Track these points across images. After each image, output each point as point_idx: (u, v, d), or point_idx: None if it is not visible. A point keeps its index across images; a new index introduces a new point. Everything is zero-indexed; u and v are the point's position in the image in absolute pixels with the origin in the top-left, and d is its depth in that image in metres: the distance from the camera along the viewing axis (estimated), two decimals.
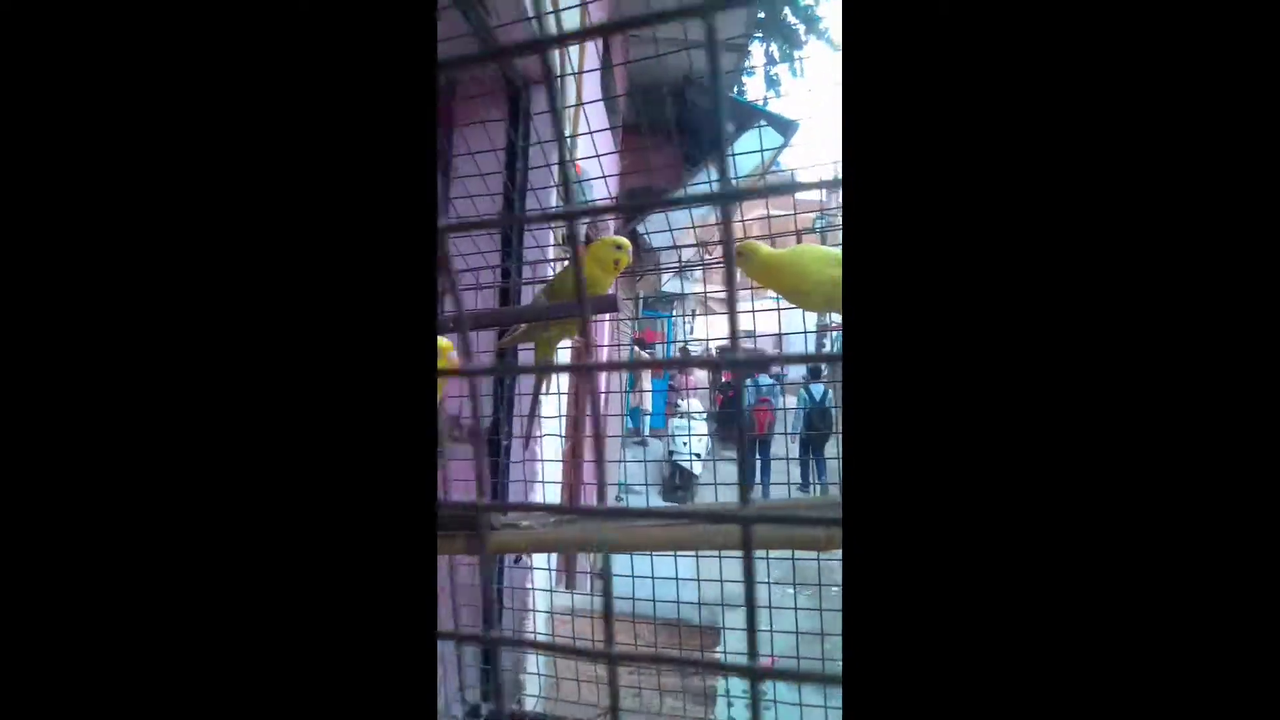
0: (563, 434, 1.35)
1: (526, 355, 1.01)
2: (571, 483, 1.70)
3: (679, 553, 0.86)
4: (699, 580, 0.94)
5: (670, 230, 1.16)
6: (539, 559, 1.25)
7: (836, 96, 0.22)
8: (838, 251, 0.71)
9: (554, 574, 1.56)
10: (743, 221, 0.94)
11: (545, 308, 0.62)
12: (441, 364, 0.54)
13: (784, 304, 0.81)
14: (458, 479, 1.04)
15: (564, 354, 1.02)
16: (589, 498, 1.77)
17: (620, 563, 0.96)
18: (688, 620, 1.19)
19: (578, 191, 1.29)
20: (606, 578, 0.14)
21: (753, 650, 0.15)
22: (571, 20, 1.19)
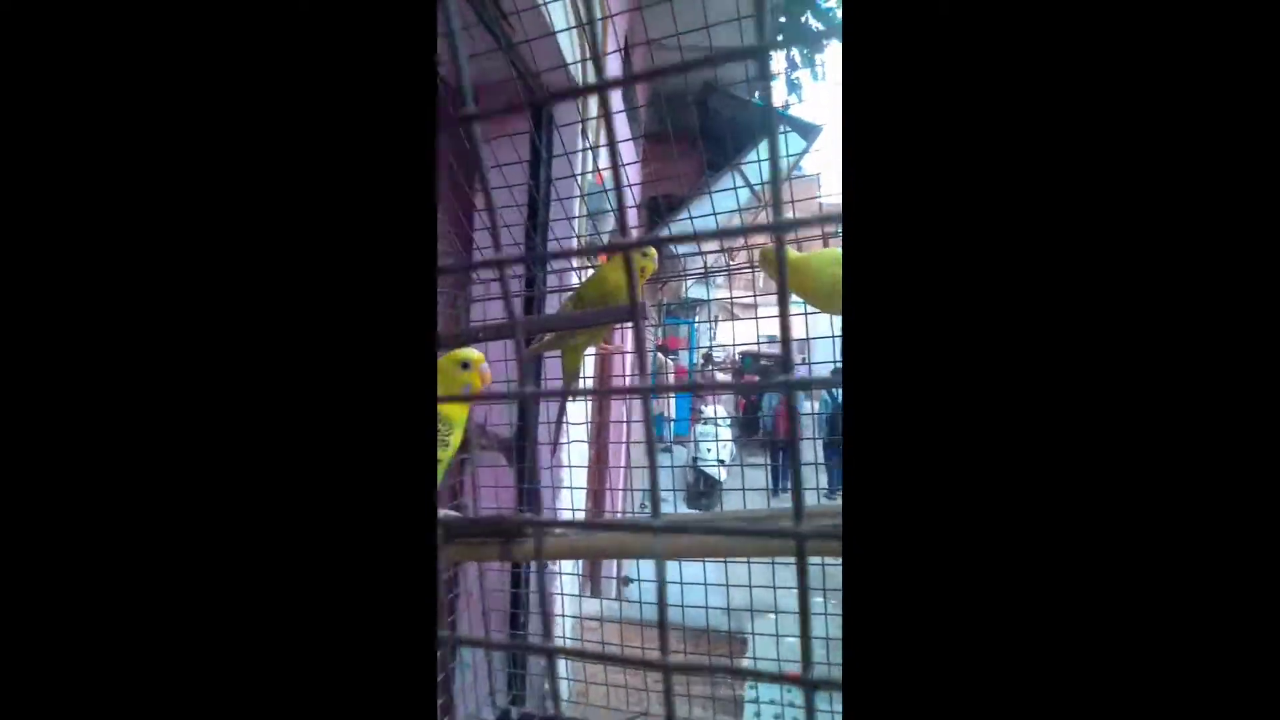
0: (587, 440, 1.36)
1: (552, 363, 1.02)
2: (596, 489, 1.70)
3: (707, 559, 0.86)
4: (727, 586, 0.93)
5: (696, 236, 1.16)
6: (565, 565, 1.26)
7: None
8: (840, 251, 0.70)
9: (580, 580, 1.56)
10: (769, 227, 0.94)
11: (592, 314, 0.63)
12: (473, 377, 0.55)
13: (809, 308, 0.80)
14: (485, 485, 1.05)
15: (587, 359, 1.03)
16: (614, 503, 1.77)
17: (645, 569, 0.97)
18: (715, 628, 1.18)
19: (600, 201, 1.30)
20: (660, 580, 0.15)
21: (806, 659, 0.15)
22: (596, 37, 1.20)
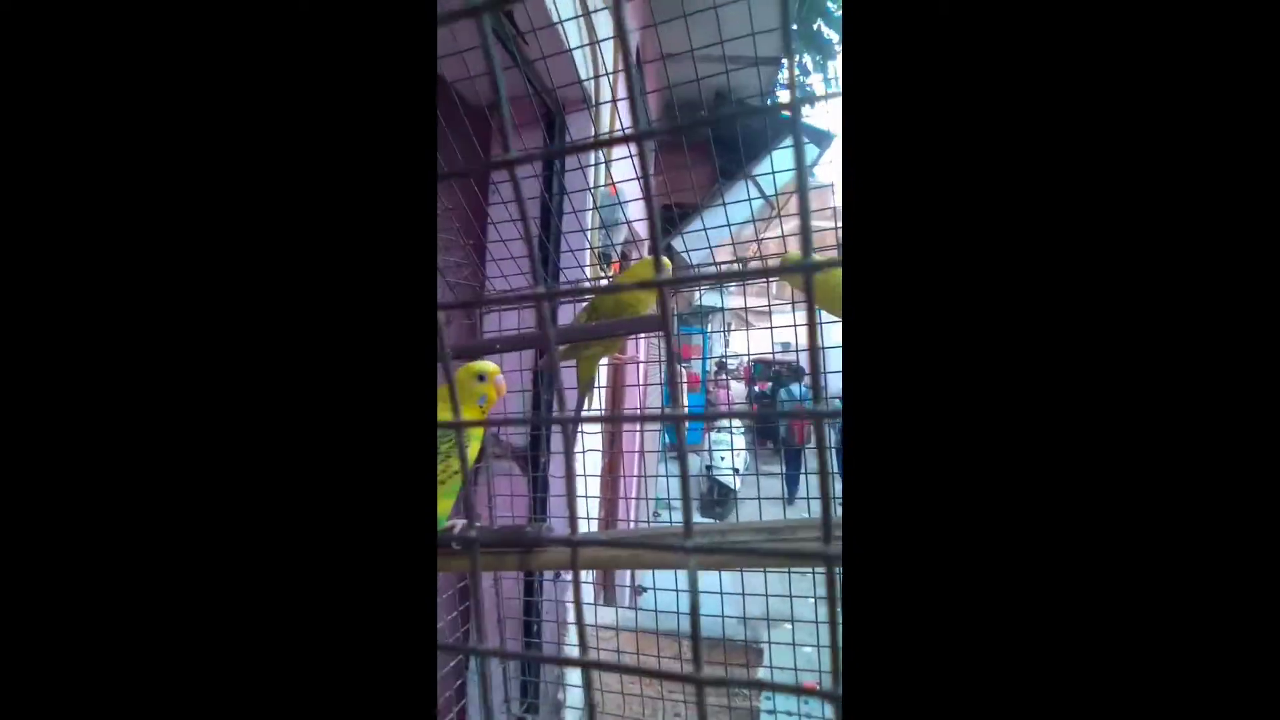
0: (600, 449, 1.36)
1: (566, 373, 1.02)
2: (610, 498, 1.70)
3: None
4: (742, 595, 0.93)
5: (710, 247, 1.17)
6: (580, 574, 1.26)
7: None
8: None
9: (593, 589, 1.56)
10: (783, 237, 0.94)
11: (619, 324, 0.63)
12: (489, 389, 0.55)
13: (825, 317, 0.80)
14: (500, 494, 1.06)
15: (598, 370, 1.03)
16: (628, 512, 1.77)
17: (661, 578, 0.96)
18: (730, 638, 1.17)
19: (613, 213, 1.32)
20: (693, 596, 0.15)
21: (837, 673, 0.15)
22: (608, 49, 1.22)
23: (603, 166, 1.23)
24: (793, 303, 0.95)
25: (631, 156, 0.93)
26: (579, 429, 0.90)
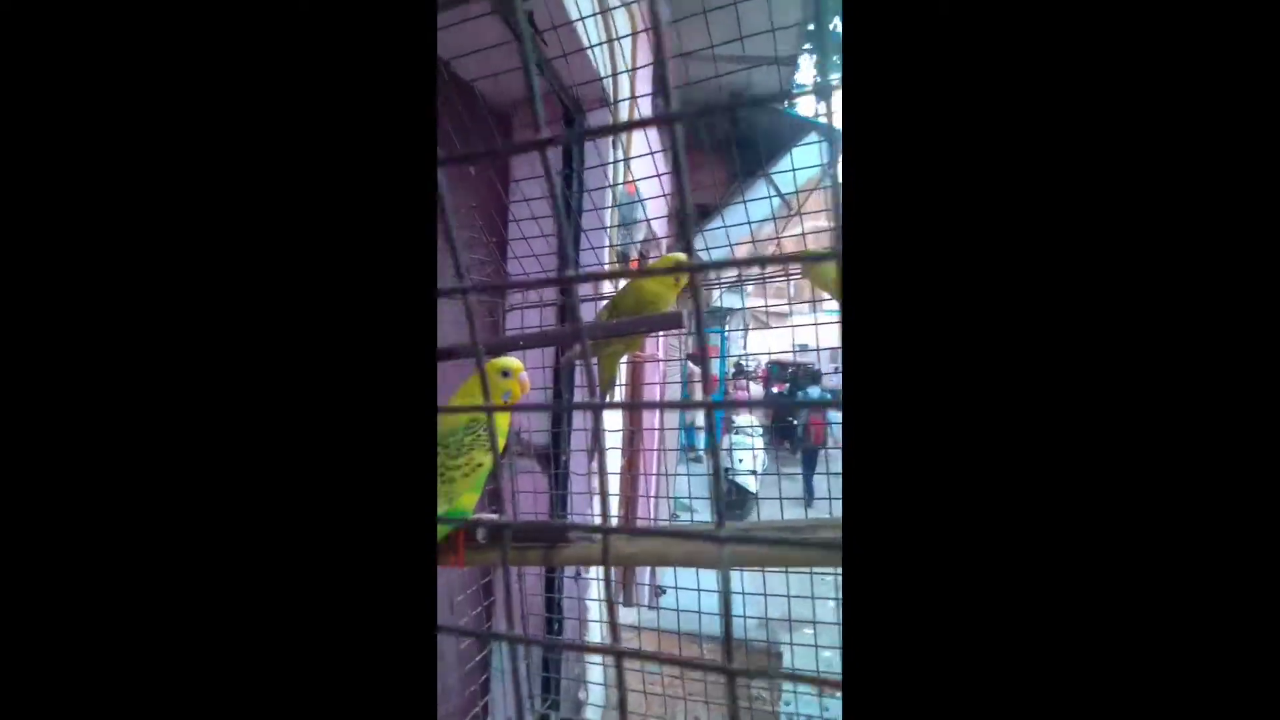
0: (620, 447, 1.36)
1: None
2: (629, 496, 1.71)
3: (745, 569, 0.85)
4: (765, 596, 0.92)
5: (730, 245, 1.17)
6: (597, 572, 1.26)
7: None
8: None
9: (614, 588, 1.56)
10: (803, 234, 0.94)
11: (642, 320, 0.63)
12: (513, 385, 0.56)
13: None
14: (523, 491, 1.07)
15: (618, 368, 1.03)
16: (648, 511, 1.77)
17: (685, 577, 0.96)
18: (750, 639, 1.17)
19: (632, 212, 1.32)
20: (725, 585, 0.15)
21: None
22: (625, 47, 1.22)
23: (621, 165, 1.24)
24: (812, 301, 0.94)
25: (653, 154, 0.93)
26: (601, 429, 0.90)
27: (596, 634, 1.25)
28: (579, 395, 1.06)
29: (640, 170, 1.27)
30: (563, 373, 0.98)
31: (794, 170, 1.04)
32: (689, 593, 0.96)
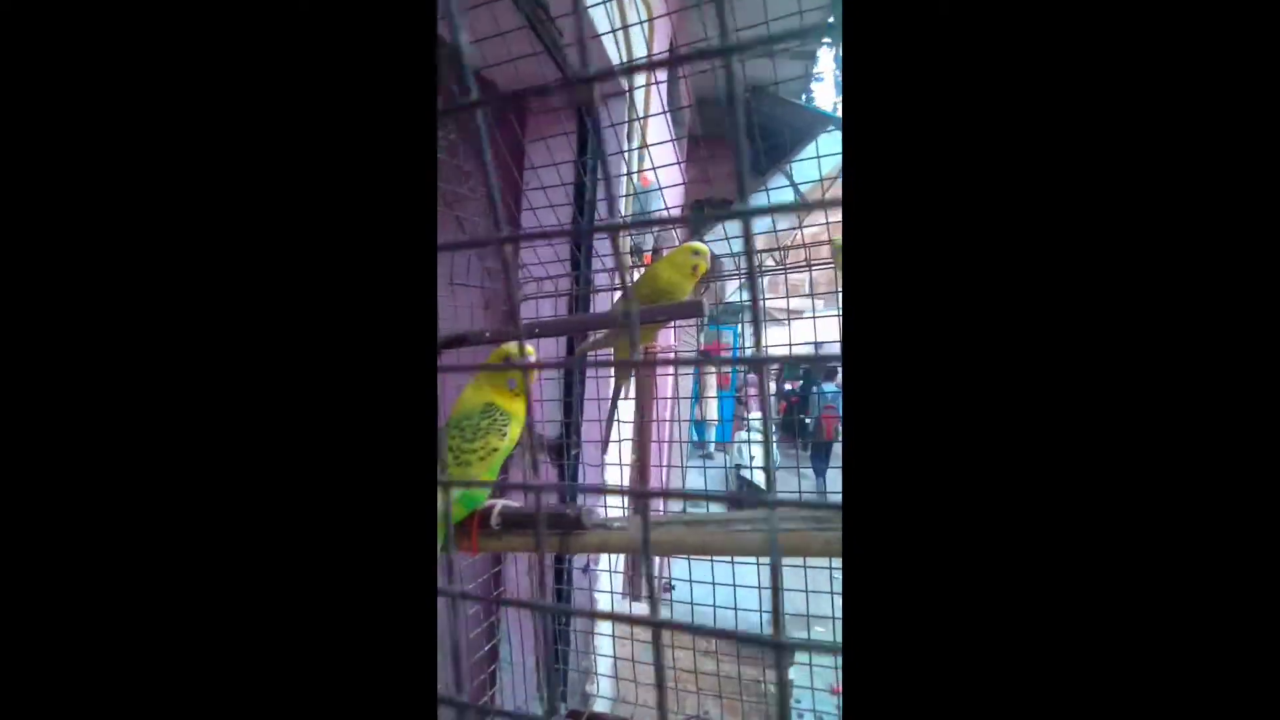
0: (631, 438, 1.36)
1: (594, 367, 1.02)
2: (639, 489, 1.70)
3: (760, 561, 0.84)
4: (778, 589, 0.91)
5: (742, 237, 1.16)
6: (605, 566, 1.26)
7: None
8: None
9: (622, 580, 1.56)
10: (827, 224, 0.92)
11: (662, 308, 0.62)
12: (517, 374, 0.55)
13: None
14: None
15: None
16: (659, 507, 1.76)
17: (699, 570, 0.96)
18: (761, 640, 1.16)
19: (644, 202, 1.31)
20: (775, 558, 0.14)
21: None
22: (638, 35, 1.21)
23: (635, 157, 1.23)
24: (835, 291, 0.93)
25: (673, 140, 0.91)
26: (615, 419, 0.89)
27: (605, 626, 1.25)
28: (590, 389, 1.06)
29: (652, 160, 1.25)
30: (574, 366, 0.97)
31: (819, 157, 1.02)
32: (697, 588, 0.96)
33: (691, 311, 0.59)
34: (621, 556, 1.59)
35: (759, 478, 3.31)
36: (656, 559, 1.80)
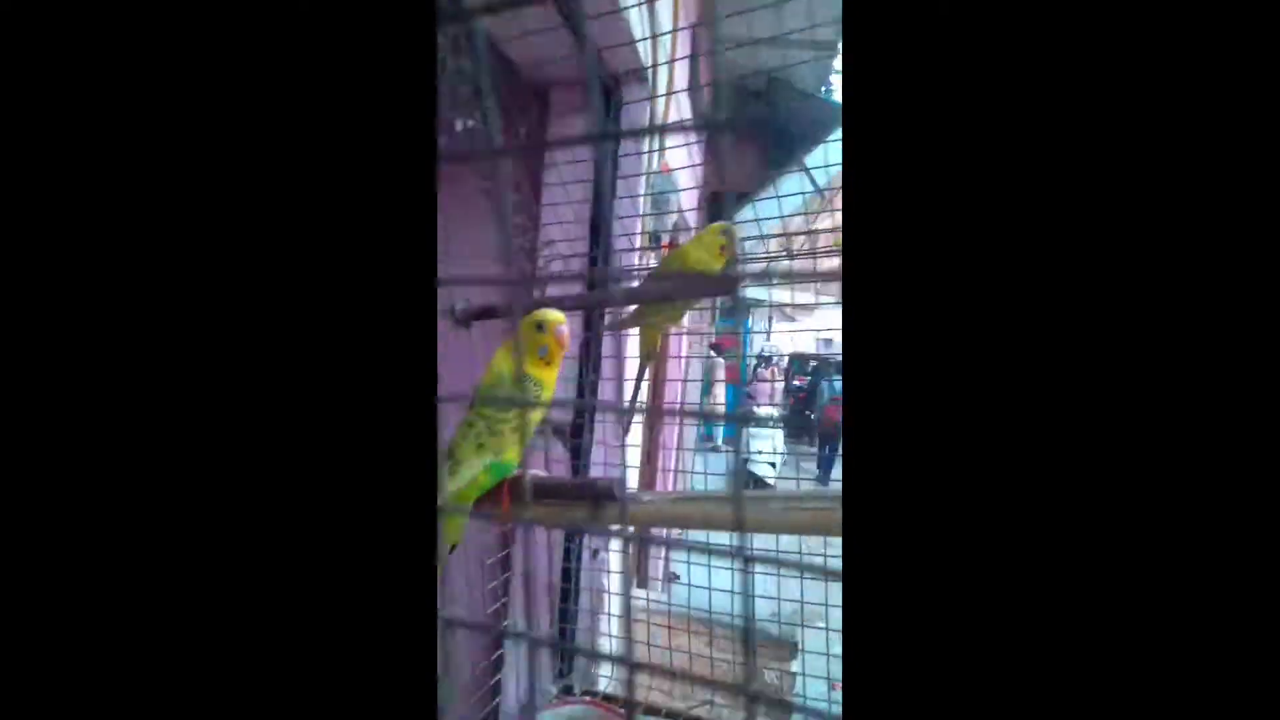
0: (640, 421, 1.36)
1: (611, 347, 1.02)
2: (649, 485, 1.70)
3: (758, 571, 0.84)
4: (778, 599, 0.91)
5: (761, 236, 1.15)
6: (615, 560, 1.26)
7: None
8: None
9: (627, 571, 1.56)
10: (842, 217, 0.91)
11: (687, 283, 0.62)
12: (548, 339, 0.55)
13: None
14: (555, 460, 1.06)
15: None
16: (666, 485, 1.77)
17: (698, 574, 0.96)
18: (765, 633, 1.16)
19: (666, 193, 1.30)
20: (750, 636, 0.14)
21: None
22: (665, 10, 1.20)
23: (656, 148, 1.22)
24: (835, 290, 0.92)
25: (693, 138, 0.91)
26: (637, 401, 0.89)
27: (614, 625, 1.25)
28: (606, 368, 1.06)
29: (673, 157, 1.25)
30: (591, 345, 0.97)
31: (826, 146, 1.01)
32: (700, 580, 0.96)
33: (725, 286, 0.58)
34: (630, 544, 1.59)
35: (764, 471, 3.31)
36: (660, 549, 1.80)
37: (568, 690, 1.05)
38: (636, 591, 1.52)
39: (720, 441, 3.61)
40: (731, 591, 0.93)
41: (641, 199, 1.18)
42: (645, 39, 1.08)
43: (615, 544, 1.16)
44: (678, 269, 0.67)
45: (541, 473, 0.57)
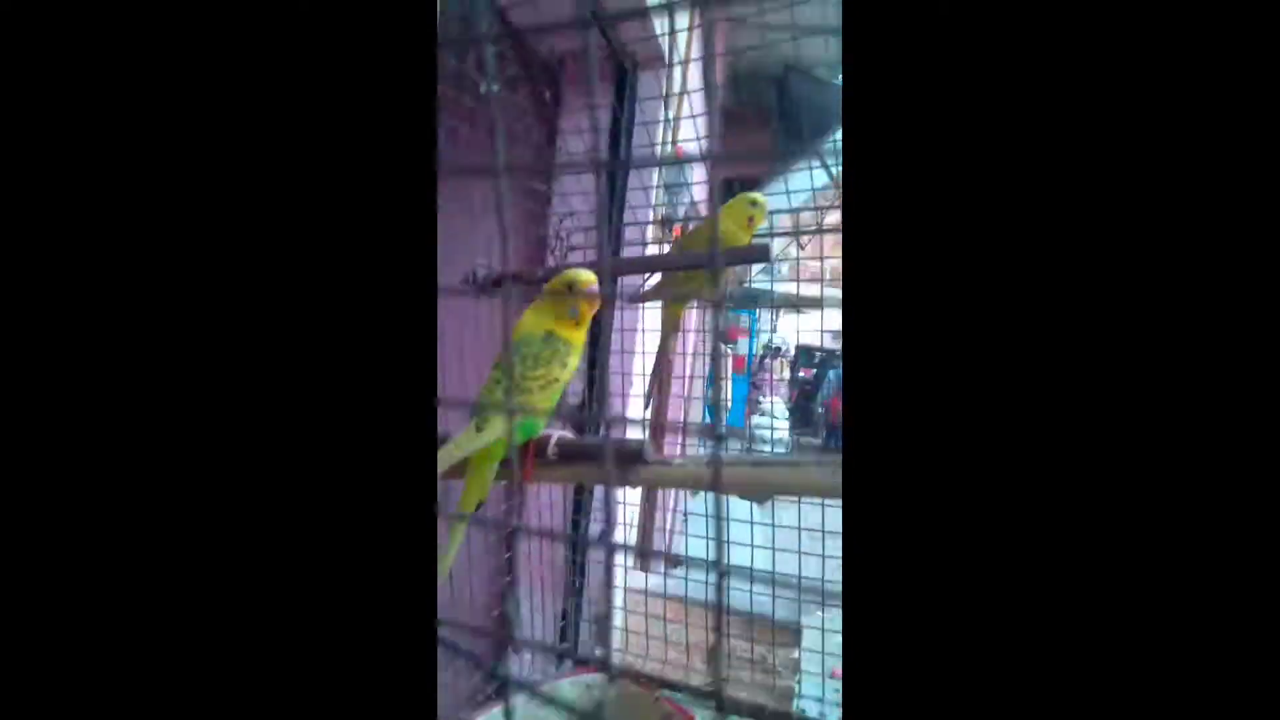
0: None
1: (630, 320, 1.02)
2: (657, 433, 1.70)
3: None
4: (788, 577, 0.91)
5: (769, 224, 1.14)
6: (620, 538, 1.26)
7: None
8: None
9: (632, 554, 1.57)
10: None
11: (724, 253, 0.61)
12: (579, 302, 0.54)
13: None
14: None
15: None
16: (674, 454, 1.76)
17: (698, 549, 0.96)
18: (764, 615, 1.16)
19: (678, 175, 1.29)
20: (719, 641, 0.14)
21: None
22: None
23: (669, 128, 1.21)
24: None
25: (699, 116, 0.90)
26: (659, 381, 0.89)
27: (619, 599, 1.26)
28: (616, 342, 1.06)
29: (688, 132, 1.24)
30: (602, 320, 0.97)
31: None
32: (701, 569, 0.96)
33: (757, 256, 0.58)
34: (633, 526, 1.59)
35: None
36: (663, 534, 1.81)
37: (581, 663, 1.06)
38: (639, 574, 1.52)
39: (724, 431, 3.61)
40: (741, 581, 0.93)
41: (654, 189, 1.17)
42: (664, 34, 1.07)
43: (620, 525, 1.16)
44: (705, 241, 0.67)
45: (567, 433, 0.56)
